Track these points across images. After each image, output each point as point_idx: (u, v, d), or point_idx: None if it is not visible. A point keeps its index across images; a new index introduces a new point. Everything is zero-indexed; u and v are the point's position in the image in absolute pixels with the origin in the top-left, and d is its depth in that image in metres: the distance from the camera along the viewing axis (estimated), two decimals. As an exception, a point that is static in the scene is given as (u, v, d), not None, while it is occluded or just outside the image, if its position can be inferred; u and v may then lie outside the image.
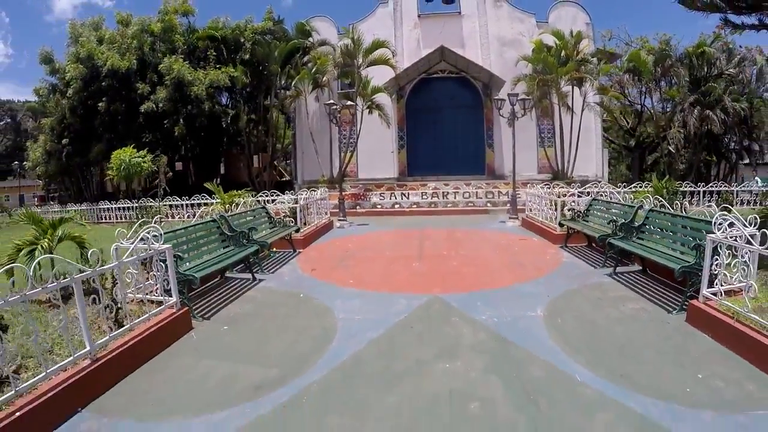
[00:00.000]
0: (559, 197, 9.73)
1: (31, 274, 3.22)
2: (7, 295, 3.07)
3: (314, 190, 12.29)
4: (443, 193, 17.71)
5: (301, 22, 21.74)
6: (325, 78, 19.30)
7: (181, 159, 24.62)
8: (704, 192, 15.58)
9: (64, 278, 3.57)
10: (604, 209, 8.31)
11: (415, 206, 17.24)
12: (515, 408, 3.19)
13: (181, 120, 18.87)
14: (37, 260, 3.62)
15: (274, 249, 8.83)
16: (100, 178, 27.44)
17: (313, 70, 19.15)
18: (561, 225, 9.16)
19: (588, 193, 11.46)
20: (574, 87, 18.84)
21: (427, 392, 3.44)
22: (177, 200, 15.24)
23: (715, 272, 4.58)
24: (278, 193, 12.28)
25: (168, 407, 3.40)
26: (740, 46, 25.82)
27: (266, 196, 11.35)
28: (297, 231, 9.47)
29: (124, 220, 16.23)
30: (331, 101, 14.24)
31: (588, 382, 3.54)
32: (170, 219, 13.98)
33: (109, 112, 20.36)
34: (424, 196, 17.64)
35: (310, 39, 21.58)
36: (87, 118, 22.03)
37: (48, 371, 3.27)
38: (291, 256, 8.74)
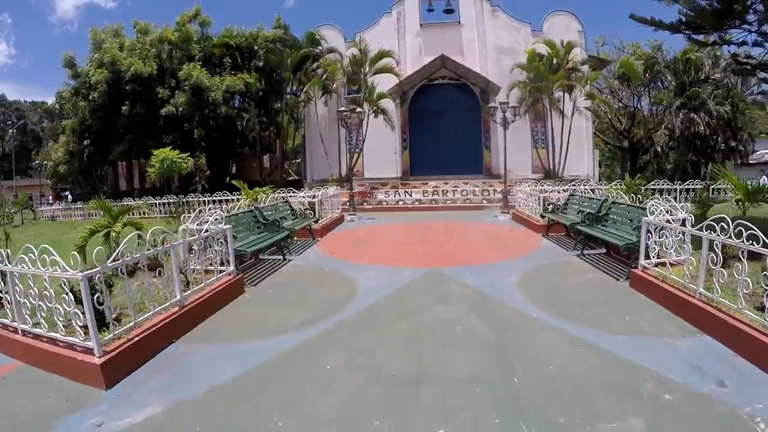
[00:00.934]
0: (542, 193, 11.17)
1: (119, 249, 4.66)
2: (106, 261, 4.37)
3: (327, 188, 13.74)
4: (443, 191, 19.15)
5: (310, 32, 23.24)
6: (334, 85, 20.74)
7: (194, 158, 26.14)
8: (680, 189, 16.96)
9: (149, 248, 5.02)
10: (578, 203, 9.74)
11: (417, 203, 18.69)
12: (487, 330, 4.65)
13: (200, 123, 20.31)
14: (130, 236, 5.06)
15: (296, 237, 10.27)
16: (130, 176, 28.97)
17: (324, 77, 20.61)
18: (542, 216, 10.61)
19: (572, 189, 12.87)
20: (565, 93, 20.28)
21: (426, 321, 4.91)
22: (200, 197, 16.67)
23: (650, 247, 6.02)
24: (294, 190, 13.73)
25: (241, 335, 4.85)
26: (728, 52, 27.20)
27: (284, 193, 12.79)
28: (316, 222, 10.94)
29: (155, 215, 17.61)
30: (343, 109, 15.70)
31: (541, 318, 4.99)
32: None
33: (131, 114, 21.82)
34: (426, 194, 19.09)
35: (320, 47, 23.04)
36: (108, 120, 23.47)
37: (154, 311, 4.69)
38: (311, 243, 10.19)
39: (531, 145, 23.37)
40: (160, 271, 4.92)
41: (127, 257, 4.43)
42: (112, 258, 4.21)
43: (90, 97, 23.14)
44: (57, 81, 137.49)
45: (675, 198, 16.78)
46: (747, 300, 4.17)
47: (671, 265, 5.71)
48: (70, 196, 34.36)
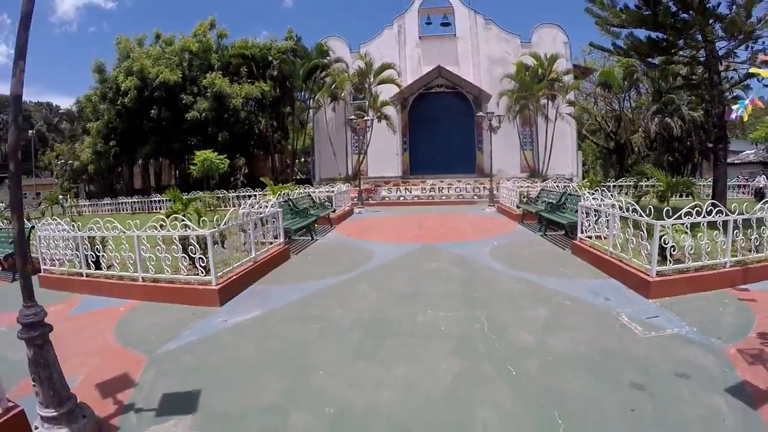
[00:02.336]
0: (518, 189, 13.52)
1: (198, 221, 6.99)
2: (215, 227, 6.76)
3: (338, 185, 16.07)
4: (439, 188, 21.51)
5: (319, 43, 25.61)
6: (342, 94, 23.10)
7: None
8: (630, 185, 19.24)
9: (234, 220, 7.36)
10: (546, 196, 12.09)
11: (416, 198, 21.05)
12: (461, 273, 7.01)
13: (223, 127, 22.67)
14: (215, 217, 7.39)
15: (317, 225, 12.59)
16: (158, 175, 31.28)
17: (333, 86, 22.94)
18: (518, 207, 12.96)
19: (542, 185, 15.21)
20: (549, 100, 22.65)
21: (421, 270, 7.28)
22: (239, 191, 18.84)
23: (583, 223, 8.35)
24: (310, 186, 16.06)
25: (297, 279, 7.19)
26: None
27: (303, 189, 15.11)
28: (333, 212, 13.29)
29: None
30: (353, 118, 18.03)
31: (500, 268, 7.35)
32: (231, 207, 17.67)
33: (158, 118, 24.14)
34: (424, 191, 21.44)
35: (328, 57, 25.38)
36: (134, 123, 25.76)
37: (242, 261, 7.04)
38: (330, 229, 12.53)
39: (519, 147, 25.73)
40: (243, 236, 7.28)
41: (223, 225, 6.79)
42: (224, 221, 6.57)
43: (118, 102, 25.45)
44: (57, 81, 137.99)
45: (627, 192, 19.09)
46: (636, 255, 6.51)
47: (598, 237, 8.07)
48: (78, 195, 36.76)
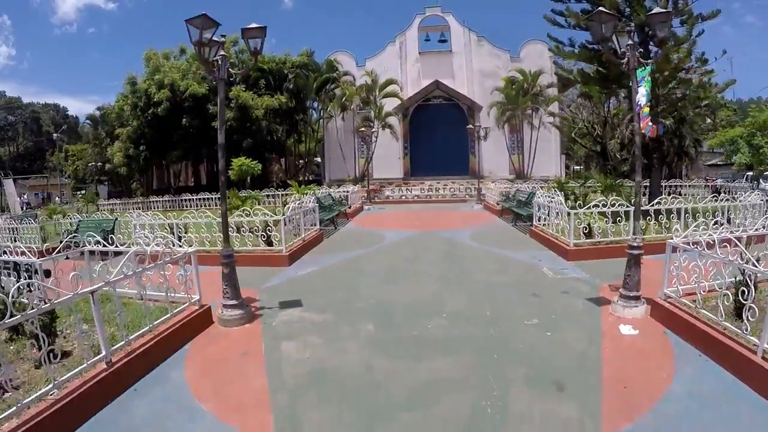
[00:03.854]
0: (498, 188, 16.69)
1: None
2: (285, 213, 9.94)
3: (348, 186, 19.20)
4: (436, 188, 24.70)
5: (329, 59, 28.84)
6: (352, 106, 26.30)
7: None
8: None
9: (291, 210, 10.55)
10: (519, 195, 15.25)
11: (416, 197, 24.21)
12: (447, 248, 10.20)
13: (247, 134, 25.87)
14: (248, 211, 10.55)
15: (337, 218, 15.72)
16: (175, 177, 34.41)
17: (343, 98, 26.13)
18: (498, 204, 16.12)
19: (518, 186, 18.37)
20: (532, 111, 25.85)
21: (420, 246, 10.49)
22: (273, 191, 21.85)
23: (538, 215, 11.50)
24: (321, 186, 19.17)
25: (333, 253, 10.36)
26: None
27: (323, 189, 18.25)
28: (349, 208, 16.45)
29: (208, 206, 23.03)
30: (363, 129, 21.23)
31: (474, 245, 10.53)
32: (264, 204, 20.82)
33: (188, 126, 27.29)
34: (422, 191, 24.61)
35: (336, 72, 28.56)
36: (164, 130, 28.89)
37: (295, 240, 10.21)
38: (347, 222, 15.67)
39: (508, 151, 28.93)
40: (293, 222, 10.46)
41: (292, 210, 9.96)
42: (290, 209, 9.76)
43: (149, 111, 28.58)
44: (57, 81, 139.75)
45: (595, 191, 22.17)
46: (564, 234, 9.69)
47: (546, 224, 11.22)
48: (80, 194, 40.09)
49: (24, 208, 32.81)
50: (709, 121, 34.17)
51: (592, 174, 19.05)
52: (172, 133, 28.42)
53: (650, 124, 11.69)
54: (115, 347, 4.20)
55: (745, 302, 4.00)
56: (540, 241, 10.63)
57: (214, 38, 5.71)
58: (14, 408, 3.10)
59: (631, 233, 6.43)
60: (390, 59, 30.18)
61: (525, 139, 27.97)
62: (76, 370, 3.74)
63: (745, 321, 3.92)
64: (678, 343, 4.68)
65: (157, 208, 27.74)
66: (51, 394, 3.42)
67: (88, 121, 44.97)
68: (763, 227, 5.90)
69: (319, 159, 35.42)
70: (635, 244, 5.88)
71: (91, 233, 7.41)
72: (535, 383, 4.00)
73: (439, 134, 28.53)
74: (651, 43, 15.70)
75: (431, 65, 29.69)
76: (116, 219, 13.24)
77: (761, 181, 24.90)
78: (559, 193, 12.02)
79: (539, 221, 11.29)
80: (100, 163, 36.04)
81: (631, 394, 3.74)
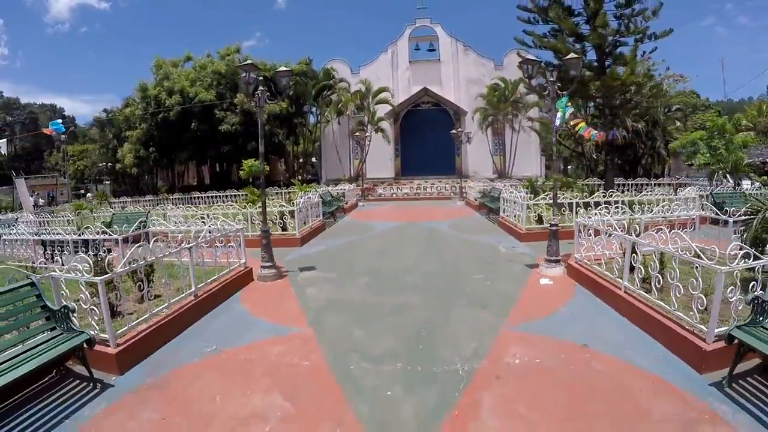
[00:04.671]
0: (476, 187, 19.09)
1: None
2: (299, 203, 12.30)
3: (343, 185, 21.50)
4: (424, 187, 27.07)
5: (326, 68, 31.14)
6: (348, 112, 28.63)
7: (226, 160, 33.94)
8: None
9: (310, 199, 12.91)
10: (492, 192, 17.65)
11: (405, 195, 26.57)
12: (427, 234, 12.60)
13: (251, 138, 28.13)
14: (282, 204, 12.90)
15: (336, 212, 18.04)
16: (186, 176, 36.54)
17: (339, 104, 28.46)
18: (476, 200, 18.52)
19: (492, 185, 20.77)
20: (513, 116, 28.31)
21: (405, 233, 12.88)
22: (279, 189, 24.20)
23: (503, 208, 13.91)
24: (318, 185, 21.46)
25: (335, 237, 12.71)
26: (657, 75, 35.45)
27: (323, 188, 20.52)
28: (346, 203, 18.79)
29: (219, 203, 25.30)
30: (358, 134, 23.58)
31: (452, 233, 12.93)
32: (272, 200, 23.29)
33: (196, 130, 29.48)
34: (412, 189, 26.97)
35: (332, 79, 30.86)
36: (173, 133, 31.01)
37: (304, 227, 12.56)
38: (344, 216, 17.99)
39: (491, 153, 31.38)
40: (302, 213, 12.81)
41: (302, 203, 12.30)
42: (302, 202, 12.12)
43: (159, 115, 30.71)
44: (50, 81, 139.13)
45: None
46: (520, 221, 12.11)
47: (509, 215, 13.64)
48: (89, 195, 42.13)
49: (36, 206, 34.80)
50: (678, 123, 36.91)
51: (571, 174, 21.52)
52: (182, 135, 30.55)
53: (594, 132, 14.29)
54: (199, 286, 6.51)
55: (634, 264, 5.72)
56: (503, 229, 13.04)
57: (253, 74, 8.02)
58: (147, 315, 5.38)
59: (552, 215, 8.82)
60: (382, 67, 32.53)
61: (507, 141, 30.43)
62: (179, 297, 6.03)
63: (634, 274, 5.84)
64: (579, 289, 7.01)
65: (169, 206, 29.95)
66: (163, 312, 5.68)
67: (95, 123, 46.80)
68: (661, 216, 8.37)
69: (314, 159, 37.76)
70: (553, 223, 8.31)
71: (156, 218, 9.69)
72: (469, 306, 6.39)
73: (427, 137, 30.89)
74: (607, 59, 18.24)
75: (420, 73, 32.06)
76: (149, 212, 15.49)
77: (740, 180, 27.50)
78: (522, 190, 14.45)
79: (504, 213, 13.71)
80: (110, 164, 38.02)
81: (532, 310, 6.13)
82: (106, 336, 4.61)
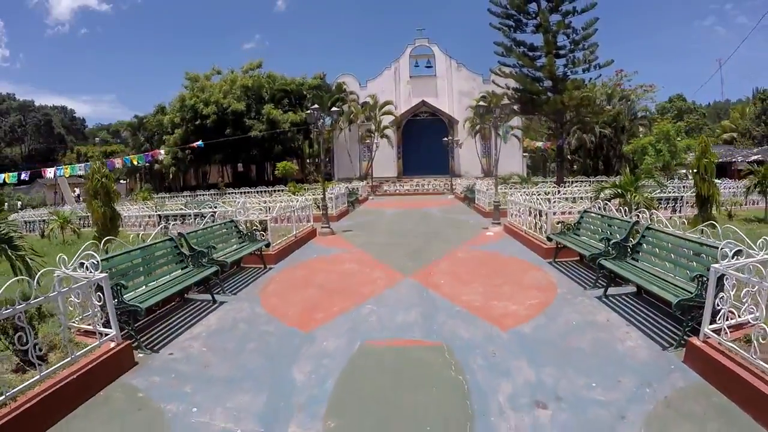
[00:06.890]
0: (463, 184, 24.42)
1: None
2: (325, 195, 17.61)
3: (354, 183, 26.80)
4: (422, 184, 32.39)
5: (338, 82, 36.58)
6: (358, 121, 33.98)
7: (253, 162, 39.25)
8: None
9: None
10: (473, 188, 22.95)
11: (407, 191, 31.89)
12: (422, 215, 17.96)
13: (276, 143, 33.47)
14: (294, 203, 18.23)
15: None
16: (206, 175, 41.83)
17: (350, 115, 33.81)
18: (462, 194, 23.85)
19: (473, 183, 26.10)
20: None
21: (407, 216, 18.23)
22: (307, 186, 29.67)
23: (477, 197, 19.21)
24: (340, 184, 26.76)
25: (356, 217, 18.03)
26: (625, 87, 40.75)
27: (343, 185, 25.83)
28: (360, 196, 24.13)
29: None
30: (368, 140, 28.91)
31: (440, 214, 18.28)
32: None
33: (230, 135, 34.79)
34: (412, 186, 32.29)
35: (343, 93, 36.18)
36: (208, 137, 36.26)
37: (334, 210, 17.89)
38: (359, 206, 23.27)
39: (480, 154, 36.69)
40: (336, 200, 18.17)
41: (336, 192, 17.64)
42: (336, 192, 17.49)
43: (197, 122, 35.97)
44: (50, 82, 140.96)
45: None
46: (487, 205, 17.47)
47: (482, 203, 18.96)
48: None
49: (78, 200, 40.05)
50: (642, 129, 42.21)
51: (516, 175, 27.06)
52: (216, 139, 35.83)
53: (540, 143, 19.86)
54: (295, 232, 11.80)
55: (544, 224, 11.59)
56: (476, 211, 18.39)
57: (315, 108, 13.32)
58: (279, 241, 10.73)
59: (494, 197, 14.17)
60: (386, 81, 37.88)
61: (492, 144, 35.74)
62: (287, 236, 11.35)
63: (539, 231, 11.52)
64: (508, 239, 12.30)
65: (229, 197, 35.23)
66: (261, 248, 10.98)
67: (128, 127, 52.12)
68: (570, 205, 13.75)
69: (326, 159, 43.13)
70: (496, 201, 13.67)
71: (222, 204, 15.06)
72: (441, 242, 11.73)
73: (425, 142, 36.21)
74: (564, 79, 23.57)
75: (419, 86, 37.41)
76: (208, 199, 20.84)
77: (674, 177, 33.05)
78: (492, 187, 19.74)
79: (477, 201, 19.06)
80: (147, 163, 43.39)
81: (476, 243, 11.49)
82: (270, 247, 9.94)
